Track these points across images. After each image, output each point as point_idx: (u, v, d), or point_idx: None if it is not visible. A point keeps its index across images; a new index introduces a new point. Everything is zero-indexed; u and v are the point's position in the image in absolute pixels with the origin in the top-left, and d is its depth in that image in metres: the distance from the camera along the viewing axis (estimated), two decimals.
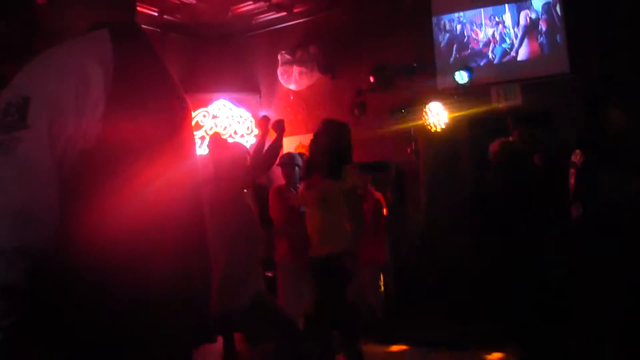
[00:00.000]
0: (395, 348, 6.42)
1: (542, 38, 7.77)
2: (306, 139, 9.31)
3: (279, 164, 6.81)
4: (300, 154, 7.35)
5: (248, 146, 9.21)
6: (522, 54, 7.93)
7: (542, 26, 7.78)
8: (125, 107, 1.45)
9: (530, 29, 7.86)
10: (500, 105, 7.64)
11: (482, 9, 8.16)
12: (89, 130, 1.38)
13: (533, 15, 7.83)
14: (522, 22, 7.92)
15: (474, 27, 8.25)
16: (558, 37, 7.63)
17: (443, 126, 7.51)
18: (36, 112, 1.33)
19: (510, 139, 5.93)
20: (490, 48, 8.12)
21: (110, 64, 1.45)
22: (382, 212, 6.94)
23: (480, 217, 6.15)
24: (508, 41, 8.00)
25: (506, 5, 7.98)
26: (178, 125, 1.73)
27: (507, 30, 8.03)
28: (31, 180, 1.30)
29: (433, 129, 7.50)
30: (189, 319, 1.66)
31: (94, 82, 1.40)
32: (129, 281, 1.45)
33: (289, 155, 6.82)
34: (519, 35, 7.93)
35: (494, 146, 5.76)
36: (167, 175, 1.62)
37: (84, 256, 1.39)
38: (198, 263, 1.73)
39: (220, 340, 6.61)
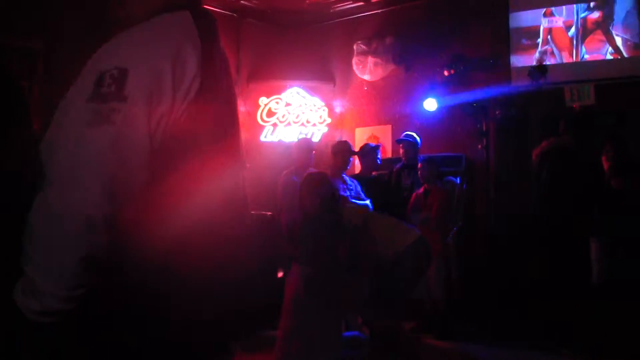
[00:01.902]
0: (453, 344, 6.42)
1: (619, 39, 7.66)
2: (378, 130, 9.49)
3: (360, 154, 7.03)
4: (376, 145, 7.49)
5: (320, 134, 9.37)
6: (599, 54, 7.83)
7: (621, 27, 7.67)
8: (208, 92, 1.45)
9: (609, 30, 7.75)
10: (574, 104, 7.56)
11: (563, 7, 8.05)
12: (180, 110, 1.39)
13: (613, 17, 7.72)
14: (600, 21, 7.82)
15: (552, 25, 8.18)
16: (636, 39, 7.51)
17: None
18: (135, 85, 1.33)
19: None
20: (567, 46, 8.04)
21: (199, 47, 1.46)
22: (448, 206, 6.97)
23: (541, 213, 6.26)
24: (585, 40, 7.90)
25: (585, 5, 7.88)
26: (237, 117, 1.73)
27: (585, 29, 7.93)
28: (126, 153, 1.30)
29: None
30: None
31: (189, 61, 1.41)
32: (197, 272, 1.44)
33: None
34: (597, 35, 7.83)
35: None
36: (232, 167, 1.64)
37: (156, 242, 1.38)
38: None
39: None
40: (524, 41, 8.31)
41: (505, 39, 8.36)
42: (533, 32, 8.25)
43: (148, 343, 1.39)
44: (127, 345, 1.37)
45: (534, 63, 7.76)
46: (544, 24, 8.19)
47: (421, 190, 7.03)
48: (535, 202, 6.30)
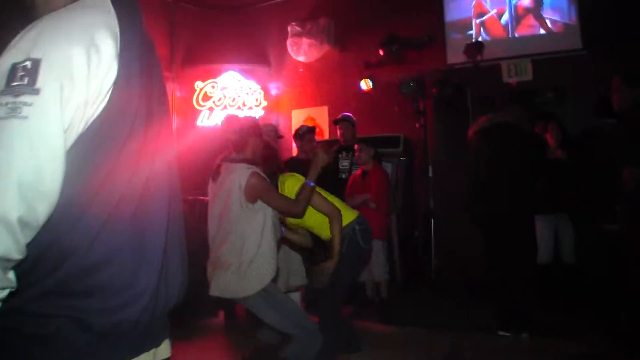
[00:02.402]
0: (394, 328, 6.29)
1: (555, 13, 7.69)
2: (315, 111, 9.39)
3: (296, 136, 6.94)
4: (312, 127, 7.39)
5: (257, 117, 9.24)
6: (534, 29, 7.85)
7: (550, 10, 7.73)
8: (128, 77, 1.40)
9: (539, 14, 7.79)
10: (510, 81, 7.58)
11: None
12: (97, 99, 1.33)
13: (542, 0, 7.77)
14: (531, 7, 7.87)
15: (486, 1, 8.17)
16: (571, 12, 7.55)
17: None
18: (47, 76, 1.27)
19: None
20: (502, 22, 8.04)
21: (117, 32, 1.40)
22: (386, 186, 6.88)
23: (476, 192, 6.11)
24: (519, 16, 7.92)
25: None
26: (166, 99, 1.69)
27: (517, 15, 7.95)
28: (41, 150, 1.24)
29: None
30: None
31: (104, 49, 1.35)
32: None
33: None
34: (532, 10, 7.85)
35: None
36: (161, 152, 1.59)
37: (83, 229, 1.35)
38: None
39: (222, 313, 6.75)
40: (459, 18, 8.30)
41: (440, 17, 8.34)
42: (468, 9, 8.25)
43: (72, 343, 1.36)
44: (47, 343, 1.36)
45: (469, 40, 7.73)
46: (476, 20, 8.20)
47: (359, 172, 6.95)
48: (474, 181, 6.06)
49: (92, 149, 1.34)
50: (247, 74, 9.78)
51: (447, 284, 6.99)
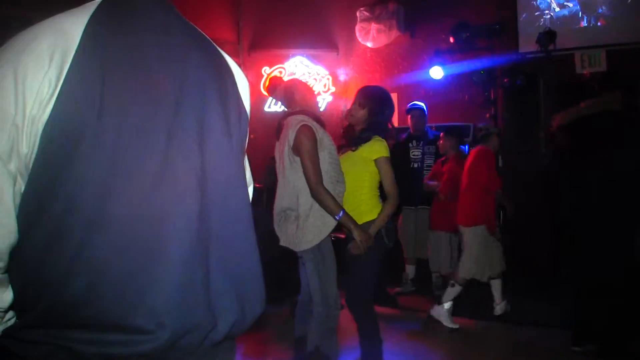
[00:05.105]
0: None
1: (631, 3, 7.52)
2: None
3: None
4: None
5: (325, 103, 9.28)
6: (609, 19, 7.69)
7: None
8: (88, 82, 1.31)
9: None
10: (584, 71, 7.46)
11: None
12: (36, 115, 1.27)
13: None
14: None
15: None
16: None
17: None
18: None
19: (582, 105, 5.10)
20: (576, 12, 7.90)
21: (73, 39, 1.32)
22: (456, 177, 6.83)
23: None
24: (594, 6, 7.76)
25: None
26: (176, 98, 1.48)
27: None
28: None
29: None
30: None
31: (33, 68, 1.26)
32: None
33: None
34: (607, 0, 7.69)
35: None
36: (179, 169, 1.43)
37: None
38: None
39: None
40: (532, 6, 8.17)
41: (512, 5, 8.22)
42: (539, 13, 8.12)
43: None
44: None
45: (542, 29, 7.59)
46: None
47: (443, 159, 6.97)
48: (564, 179, 5.26)
49: (47, 170, 1.29)
50: (315, 59, 9.79)
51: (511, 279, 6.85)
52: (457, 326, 6.01)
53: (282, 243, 4.14)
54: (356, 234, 3.99)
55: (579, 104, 5.10)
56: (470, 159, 6.26)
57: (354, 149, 4.27)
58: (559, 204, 5.58)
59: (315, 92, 9.37)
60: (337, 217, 3.98)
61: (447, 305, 6.03)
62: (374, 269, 4.31)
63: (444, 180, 6.70)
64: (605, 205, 4.78)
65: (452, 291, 6.05)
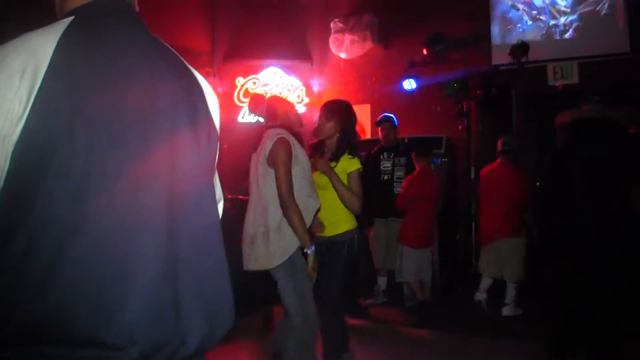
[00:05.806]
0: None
1: (603, 16, 7.56)
2: (356, 109, 9.20)
3: None
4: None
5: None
6: (581, 31, 7.72)
7: (604, 4, 7.57)
8: (59, 101, 1.31)
9: (591, 7, 7.65)
10: (556, 83, 7.46)
11: None
12: (7, 134, 1.28)
13: None
14: None
15: (533, 3, 8.06)
16: (620, 16, 7.41)
17: None
18: None
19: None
20: (548, 24, 7.93)
21: (44, 57, 1.32)
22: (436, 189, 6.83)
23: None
24: (567, 18, 7.79)
25: None
26: (150, 113, 1.49)
27: (568, 7, 7.83)
28: None
29: None
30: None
31: (3, 86, 1.28)
32: None
33: None
34: (579, 13, 7.72)
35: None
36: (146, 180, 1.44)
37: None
38: None
39: None
40: (505, 19, 8.18)
41: (485, 17, 8.23)
42: (514, 10, 8.18)
43: None
44: None
45: (515, 41, 7.58)
46: (526, 1, 8.09)
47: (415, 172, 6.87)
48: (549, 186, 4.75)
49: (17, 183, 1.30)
50: (289, 70, 9.75)
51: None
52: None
53: (252, 267, 4.06)
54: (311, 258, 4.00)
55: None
56: (501, 173, 6.59)
57: (334, 164, 4.32)
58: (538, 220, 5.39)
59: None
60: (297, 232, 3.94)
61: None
62: (338, 276, 4.33)
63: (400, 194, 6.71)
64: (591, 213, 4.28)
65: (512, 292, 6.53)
